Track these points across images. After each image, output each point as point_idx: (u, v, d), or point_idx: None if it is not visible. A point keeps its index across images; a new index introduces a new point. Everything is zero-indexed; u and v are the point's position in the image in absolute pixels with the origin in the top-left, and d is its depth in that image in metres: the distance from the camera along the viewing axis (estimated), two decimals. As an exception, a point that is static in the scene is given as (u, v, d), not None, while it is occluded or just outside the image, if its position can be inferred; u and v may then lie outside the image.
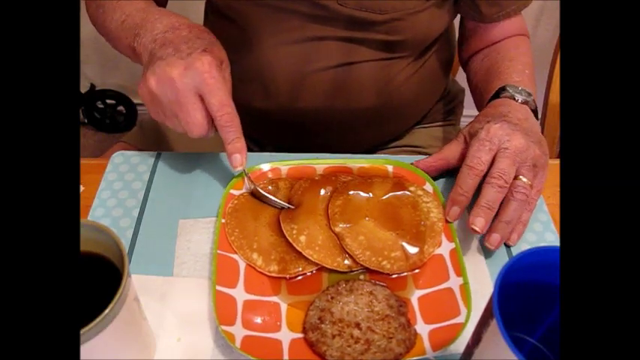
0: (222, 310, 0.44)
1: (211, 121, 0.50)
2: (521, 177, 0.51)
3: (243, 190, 0.56)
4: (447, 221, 0.52)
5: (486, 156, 0.51)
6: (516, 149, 0.51)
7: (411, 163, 0.58)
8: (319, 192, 0.54)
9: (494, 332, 0.30)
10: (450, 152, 0.57)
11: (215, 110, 0.49)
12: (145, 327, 0.42)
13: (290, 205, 0.54)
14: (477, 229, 0.49)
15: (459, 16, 0.72)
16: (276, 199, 0.54)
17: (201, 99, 0.49)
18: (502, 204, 0.51)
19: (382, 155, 0.61)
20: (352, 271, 0.49)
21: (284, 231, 0.51)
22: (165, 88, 0.48)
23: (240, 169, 0.52)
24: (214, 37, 0.54)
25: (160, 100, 0.49)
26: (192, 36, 0.52)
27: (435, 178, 0.58)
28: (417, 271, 0.50)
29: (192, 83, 0.48)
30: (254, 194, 0.55)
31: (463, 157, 0.57)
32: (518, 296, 0.34)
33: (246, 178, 0.55)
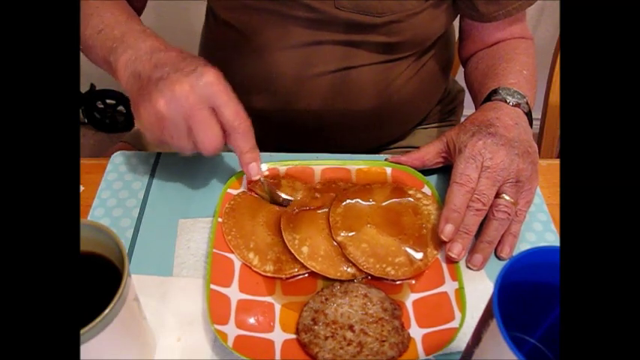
0: (216, 309, 0.44)
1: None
2: (503, 195, 0.51)
3: (241, 190, 0.56)
4: (444, 240, 0.50)
5: (474, 174, 0.51)
6: (497, 167, 0.51)
7: (385, 159, 0.59)
8: (320, 203, 0.54)
9: (494, 332, 0.30)
10: (427, 153, 0.58)
11: (232, 120, 0.48)
12: (144, 327, 0.42)
13: (290, 198, 0.54)
14: (453, 255, 0.49)
15: (459, 16, 0.72)
16: (288, 197, 0.54)
17: (214, 113, 0.47)
18: (484, 223, 0.51)
19: (380, 156, 0.61)
20: (355, 280, 0.49)
21: (286, 241, 0.50)
22: (176, 106, 0.46)
23: (258, 177, 0.52)
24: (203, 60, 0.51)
25: (170, 120, 0.46)
26: (185, 55, 0.49)
27: (427, 173, 0.58)
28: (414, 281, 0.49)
29: (205, 96, 0.46)
30: (273, 200, 0.55)
31: (440, 158, 0.57)
32: (518, 296, 0.34)
33: (264, 183, 0.54)
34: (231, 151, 0.52)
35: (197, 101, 0.46)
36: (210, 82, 0.46)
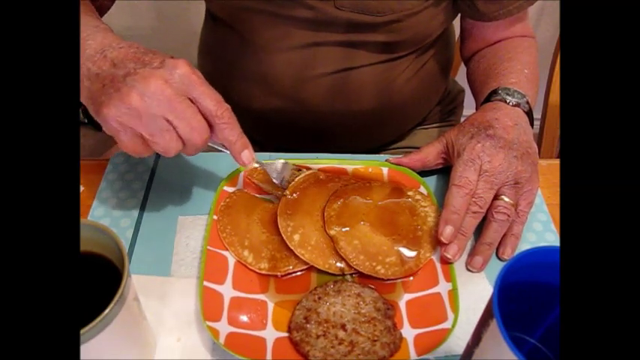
0: (209, 306, 0.44)
1: None
2: (502, 197, 0.51)
3: (237, 187, 0.56)
4: (441, 242, 0.50)
5: (473, 176, 0.51)
6: (495, 171, 0.51)
7: (386, 160, 0.59)
8: (320, 192, 0.54)
9: (494, 332, 0.30)
10: (428, 154, 0.58)
11: (214, 110, 0.44)
12: (145, 327, 0.42)
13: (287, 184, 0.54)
14: (449, 257, 0.49)
15: (460, 15, 0.72)
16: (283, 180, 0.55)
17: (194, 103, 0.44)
18: (484, 225, 0.51)
19: (380, 156, 0.61)
20: (344, 275, 0.49)
21: (280, 227, 0.50)
22: (153, 100, 0.42)
23: (252, 164, 0.49)
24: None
25: (148, 116, 0.42)
26: (143, 50, 0.45)
27: (425, 174, 0.58)
28: (411, 278, 0.49)
29: (182, 89, 0.43)
30: (273, 185, 0.55)
31: (441, 159, 0.57)
32: (518, 296, 0.34)
33: (260, 167, 0.55)
34: (217, 150, 0.50)
35: (176, 93, 0.43)
36: (184, 74, 0.43)
